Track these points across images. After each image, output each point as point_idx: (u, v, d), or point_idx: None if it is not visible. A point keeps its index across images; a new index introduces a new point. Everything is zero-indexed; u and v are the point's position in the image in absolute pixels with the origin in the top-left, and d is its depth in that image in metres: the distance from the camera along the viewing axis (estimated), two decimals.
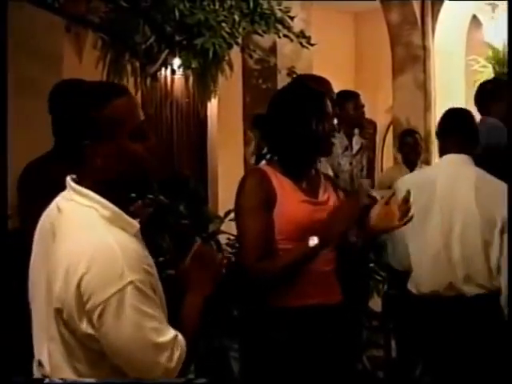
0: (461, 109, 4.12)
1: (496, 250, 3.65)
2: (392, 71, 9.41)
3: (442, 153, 3.90)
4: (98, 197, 2.00)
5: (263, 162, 3.16)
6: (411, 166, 6.90)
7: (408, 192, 3.03)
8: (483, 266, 3.66)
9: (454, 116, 3.95)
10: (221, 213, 5.71)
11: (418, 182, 3.83)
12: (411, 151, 7.05)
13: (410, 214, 3.00)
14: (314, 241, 2.82)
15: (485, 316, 3.68)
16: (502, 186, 3.71)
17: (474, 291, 3.67)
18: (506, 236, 3.62)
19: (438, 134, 3.96)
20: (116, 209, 2.01)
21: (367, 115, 6.68)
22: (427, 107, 9.08)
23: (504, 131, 4.84)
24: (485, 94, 5.00)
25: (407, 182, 3.86)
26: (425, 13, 9.32)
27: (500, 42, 9.27)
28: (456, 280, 3.68)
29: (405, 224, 3.02)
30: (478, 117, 5.02)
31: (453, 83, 9.26)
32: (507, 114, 4.88)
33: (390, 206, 3.02)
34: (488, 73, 9.04)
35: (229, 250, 5.12)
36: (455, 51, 9.45)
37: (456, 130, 3.84)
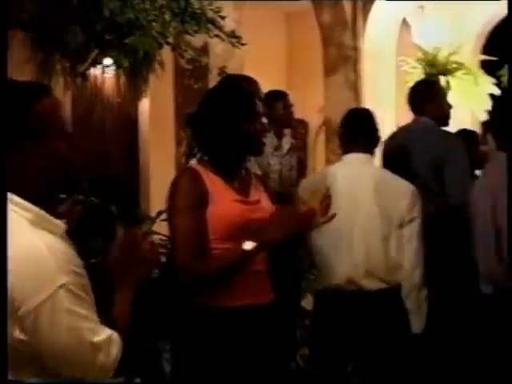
0: (363, 109, 4.24)
1: (394, 245, 3.78)
2: (324, 71, 9.47)
3: (344, 152, 3.97)
4: (17, 199, 1.97)
5: (194, 161, 3.16)
6: None
7: (327, 189, 3.07)
8: (383, 262, 3.78)
9: (356, 116, 4.05)
10: (153, 213, 5.67)
11: (322, 180, 3.91)
12: None
13: (332, 211, 3.03)
14: (248, 245, 2.83)
15: (385, 310, 3.79)
16: (401, 184, 3.86)
17: (374, 286, 3.78)
18: (405, 230, 3.77)
19: (340, 134, 4.03)
20: (38, 210, 1.97)
21: (299, 115, 6.72)
22: (358, 107, 9.16)
23: (437, 130, 4.93)
24: (417, 94, 5.10)
25: (312, 181, 4.03)
26: (356, 14, 9.41)
27: (429, 44, 9.43)
28: (357, 275, 3.78)
29: (328, 221, 3.05)
30: (411, 116, 5.12)
31: (383, 83, 9.38)
32: (442, 114, 4.99)
33: (310, 204, 3.04)
34: (418, 74, 9.18)
35: (161, 250, 5.08)
36: (386, 52, 9.56)
37: (358, 130, 3.94)
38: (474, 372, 3.83)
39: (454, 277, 4.53)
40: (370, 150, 3.93)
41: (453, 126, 6.65)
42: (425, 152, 4.77)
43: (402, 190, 3.83)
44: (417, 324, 3.82)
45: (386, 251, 3.78)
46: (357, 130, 3.96)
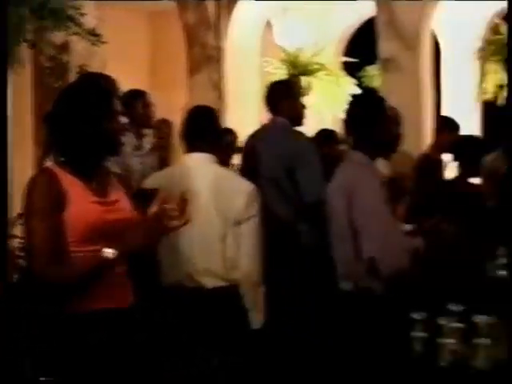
0: (204, 107, 4.26)
1: (232, 244, 3.83)
2: (188, 71, 9.45)
3: (186, 151, 3.99)
4: None
5: (51, 161, 3.08)
6: (226, 166, 6.60)
7: (185, 192, 3.05)
8: (221, 259, 3.84)
9: (197, 115, 4.06)
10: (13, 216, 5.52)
11: (165, 180, 3.94)
12: (230, 150, 6.75)
13: (189, 214, 3.01)
14: (108, 253, 2.79)
15: (224, 307, 3.85)
16: (239, 183, 3.95)
17: (213, 283, 3.84)
18: (242, 228, 3.83)
19: (182, 133, 4.04)
20: None
21: (164, 115, 6.67)
22: (222, 107, 9.19)
23: (291, 130, 5.00)
24: (273, 94, 5.15)
25: (155, 180, 4.02)
26: (220, 14, 9.43)
27: (292, 45, 9.58)
28: (196, 272, 3.84)
29: (185, 224, 3.03)
30: (268, 116, 5.17)
31: (247, 84, 9.44)
32: (296, 114, 5.05)
33: (165, 206, 3.01)
34: (281, 74, 9.30)
35: (20, 254, 4.96)
36: (249, 52, 9.63)
37: (200, 129, 3.97)
38: (334, 367, 3.90)
39: (311, 274, 4.63)
40: (210, 150, 3.95)
41: (314, 126, 6.77)
42: (278, 152, 4.84)
43: (240, 188, 3.88)
44: (256, 320, 3.89)
45: (224, 249, 3.84)
46: (197, 130, 3.98)
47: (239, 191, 3.86)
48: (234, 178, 4.01)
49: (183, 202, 3.00)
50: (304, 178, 4.78)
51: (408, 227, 4.39)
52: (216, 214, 3.80)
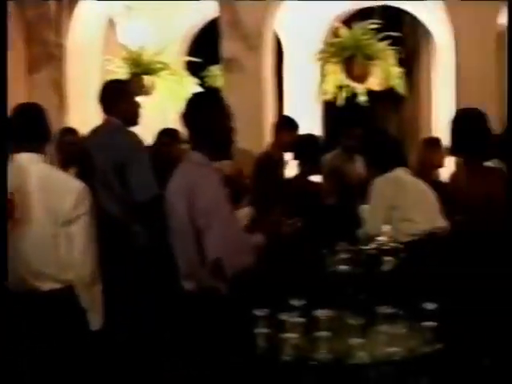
0: (31, 105, 4.24)
1: (64, 244, 3.80)
2: (27, 69, 9.22)
3: (14, 151, 3.94)
4: None
5: None
6: (68, 165, 6.37)
7: (12, 193, 3.00)
8: (53, 260, 3.80)
9: (24, 113, 4.04)
10: None
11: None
12: (71, 150, 6.50)
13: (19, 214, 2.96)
14: None
15: (61, 309, 3.80)
16: (67, 182, 3.92)
17: (48, 286, 3.80)
18: (73, 228, 3.81)
19: (10, 132, 3.98)
20: None
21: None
22: (63, 106, 9.02)
23: (122, 131, 4.97)
24: (108, 94, 5.10)
25: None
26: (62, 11, 9.25)
27: (135, 44, 9.52)
28: (29, 275, 3.79)
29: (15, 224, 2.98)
30: (103, 116, 5.11)
31: (88, 83, 9.28)
32: (130, 114, 5.02)
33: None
34: (123, 73, 9.23)
35: None
36: (91, 51, 9.50)
37: (26, 128, 3.93)
38: (178, 367, 3.90)
39: (147, 274, 4.62)
40: (37, 149, 3.91)
41: (157, 125, 6.74)
42: (109, 152, 4.82)
43: (68, 187, 3.86)
44: (95, 321, 3.87)
45: (56, 249, 3.79)
46: (23, 129, 3.92)
47: (68, 190, 3.83)
48: (63, 177, 3.97)
49: (9, 202, 2.95)
50: (135, 177, 4.77)
51: (247, 210, 4.47)
52: (46, 214, 3.75)
